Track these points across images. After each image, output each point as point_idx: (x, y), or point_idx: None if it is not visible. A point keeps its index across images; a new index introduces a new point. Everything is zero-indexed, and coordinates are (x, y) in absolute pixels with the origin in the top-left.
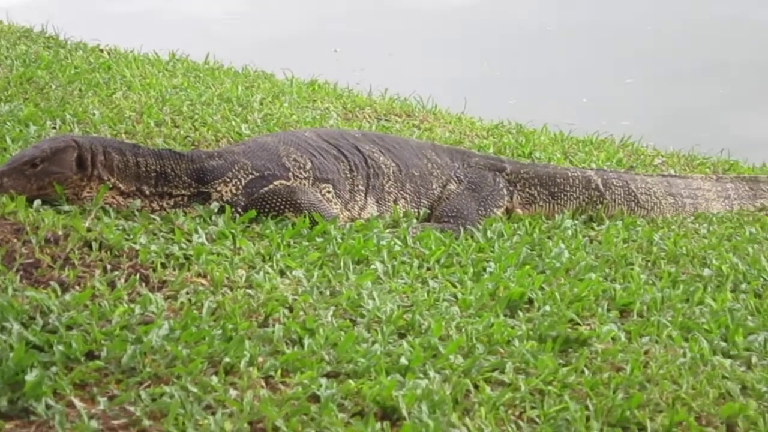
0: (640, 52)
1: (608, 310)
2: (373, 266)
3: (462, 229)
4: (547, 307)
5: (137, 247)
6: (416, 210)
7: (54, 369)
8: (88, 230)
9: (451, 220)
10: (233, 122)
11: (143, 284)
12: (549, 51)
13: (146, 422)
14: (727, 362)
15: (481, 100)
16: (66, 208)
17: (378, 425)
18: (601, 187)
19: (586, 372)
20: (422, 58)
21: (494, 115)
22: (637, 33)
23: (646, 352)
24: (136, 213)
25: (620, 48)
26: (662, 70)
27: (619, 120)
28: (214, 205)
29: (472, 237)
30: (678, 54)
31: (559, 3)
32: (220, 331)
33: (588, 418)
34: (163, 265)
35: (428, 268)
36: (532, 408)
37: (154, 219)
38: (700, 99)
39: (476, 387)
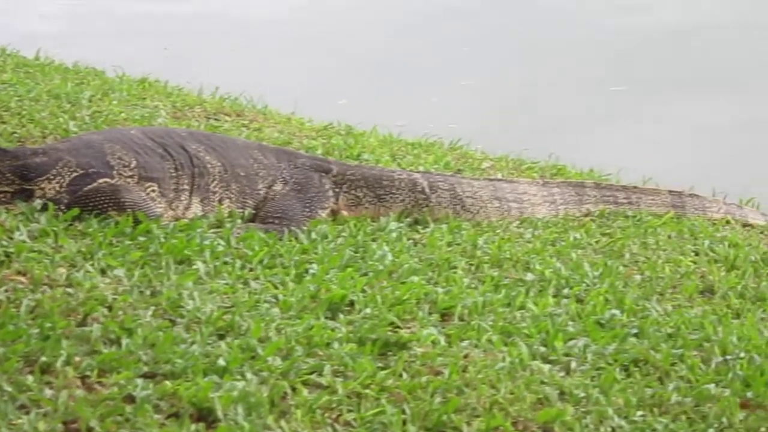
0: (477, 53)
1: (429, 314)
2: (195, 266)
3: (286, 230)
4: (368, 310)
5: None
6: (241, 210)
7: None
8: None
9: (276, 221)
10: (61, 119)
11: None
12: (382, 51)
13: None
14: (546, 367)
15: (313, 100)
16: None
17: (193, 427)
18: (427, 189)
19: (405, 375)
20: (257, 58)
21: (326, 116)
22: (476, 32)
23: (465, 356)
24: None
25: (457, 48)
26: (497, 73)
27: (448, 123)
28: (37, 203)
29: (296, 238)
30: (515, 57)
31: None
32: (37, 330)
33: (405, 422)
34: None
35: (251, 269)
36: (349, 411)
37: None
38: (532, 103)
39: (294, 389)
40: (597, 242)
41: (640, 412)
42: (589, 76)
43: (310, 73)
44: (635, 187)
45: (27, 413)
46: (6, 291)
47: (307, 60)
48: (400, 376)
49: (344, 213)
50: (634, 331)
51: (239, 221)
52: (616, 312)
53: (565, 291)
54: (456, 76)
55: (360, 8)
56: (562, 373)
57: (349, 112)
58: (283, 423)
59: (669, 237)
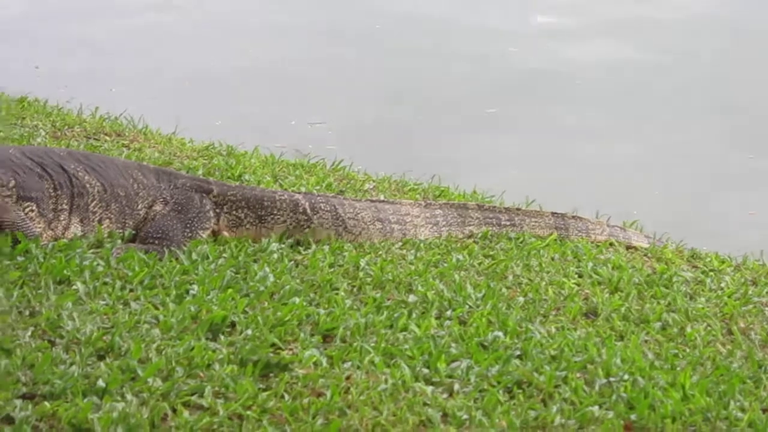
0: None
1: (311, 335)
2: (74, 287)
3: (167, 251)
4: (249, 331)
5: None
6: (121, 230)
7: None
8: None
9: (156, 242)
10: None
11: None
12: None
13: None
14: (429, 389)
15: (191, 121)
16: None
17: None
18: (308, 210)
19: (287, 397)
20: (134, 77)
21: (200, 135)
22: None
23: (347, 378)
24: None
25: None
26: (366, 98)
27: (327, 143)
28: None
29: (176, 259)
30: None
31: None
32: None
33: None
34: None
35: (131, 290)
36: None
37: None
38: (407, 122)
39: (174, 411)
40: (480, 264)
41: None
42: (463, 95)
43: (184, 94)
44: (518, 209)
45: None
46: None
47: (176, 81)
48: (282, 397)
49: (225, 234)
50: (518, 353)
51: (119, 241)
52: (499, 334)
53: (448, 313)
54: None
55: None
56: (445, 395)
57: (225, 133)
58: None
59: (552, 259)
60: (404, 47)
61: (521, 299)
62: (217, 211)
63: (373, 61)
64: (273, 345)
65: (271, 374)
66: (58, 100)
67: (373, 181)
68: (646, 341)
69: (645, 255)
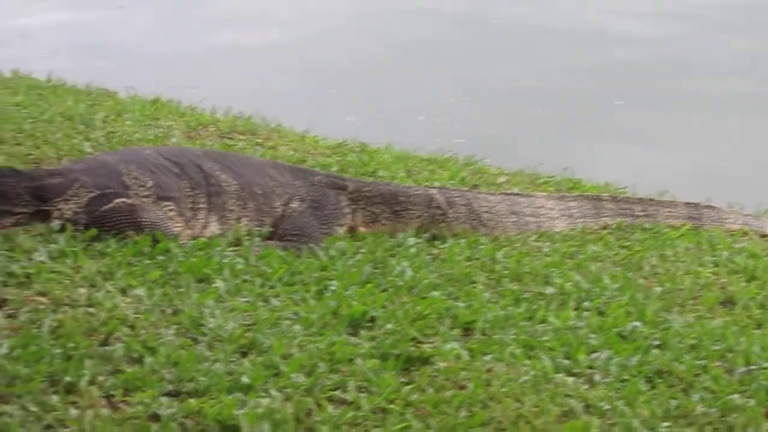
0: (469, 70)
1: (451, 328)
2: (215, 284)
3: (304, 248)
4: (390, 325)
5: None
6: (259, 228)
7: None
8: None
9: (294, 239)
10: (75, 140)
11: None
12: (383, 70)
13: None
14: (570, 380)
15: (321, 118)
16: None
17: None
18: (443, 205)
19: (429, 390)
20: (267, 77)
21: (334, 132)
22: (463, 51)
23: (488, 370)
24: None
25: (451, 67)
26: (492, 90)
27: (453, 138)
28: (56, 224)
29: (314, 255)
30: (505, 74)
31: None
32: (60, 350)
33: None
34: (3, 284)
35: (270, 287)
36: (375, 426)
37: None
38: (531, 118)
39: (318, 405)
40: (616, 255)
41: (665, 424)
42: (587, 88)
43: (317, 93)
44: (651, 200)
45: None
46: (27, 312)
47: (310, 81)
48: (425, 390)
49: (361, 229)
50: (657, 342)
51: (257, 239)
52: (638, 324)
53: (586, 304)
54: (449, 91)
55: (351, 29)
56: (586, 386)
57: (357, 130)
58: None
59: (687, 249)
60: (529, 39)
61: (658, 289)
62: (353, 207)
63: (496, 54)
64: (413, 339)
65: (413, 368)
66: (191, 100)
67: (506, 174)
68: None
69: None
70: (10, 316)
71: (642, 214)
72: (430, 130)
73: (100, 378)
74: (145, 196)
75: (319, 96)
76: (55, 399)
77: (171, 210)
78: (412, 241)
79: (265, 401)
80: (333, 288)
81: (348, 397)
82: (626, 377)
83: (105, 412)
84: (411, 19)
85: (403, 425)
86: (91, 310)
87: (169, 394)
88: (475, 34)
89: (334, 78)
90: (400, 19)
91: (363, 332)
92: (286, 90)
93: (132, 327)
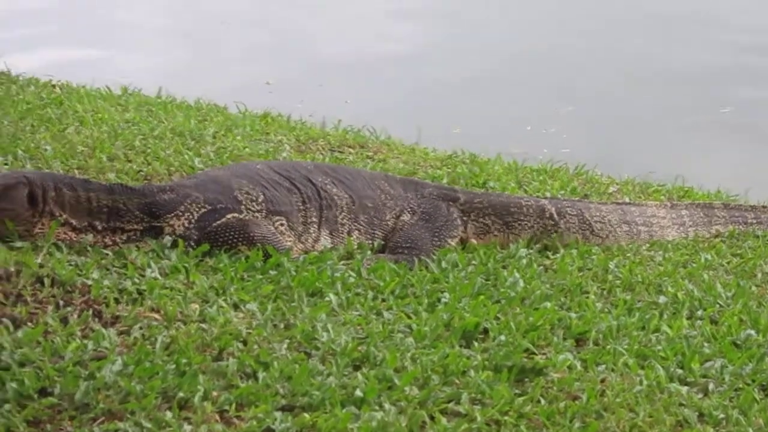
0: (574, 80)
1: (564, 339)
2: (327, 298)
3: (416, 260)
4: (503, 337)
5: (90, 282)
6: (370, 241)
7: (7, 406)
8: (40, 266)
9: (406, 251)
10: (186, 156)
11: (96, 320)
12: (489, 81)
13: None
14: (684, 389)
15: (428, 130)
16: (18, 244)
17: None
18: (555, 215)
19: (543, 401)
20: (377, 90)
21: (440, 144)
22: (566, 62)
23: (602, 381)
24: (89, 248)
25: (554, 76)
26: (597, 99)
27: (560, 148)
28: (167, 239)
29: (426, 268)
30: (612, 84)
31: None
32: (173, 366)
33: None
34: (116, 300)
35: (383, 300)
36: None
37: (107, 254)
38: (640, 127)
39: (432, 418)
40: (728, 263)
41: None
42: (687, 98)
43: (424, 105)
44: (764, 207)
45: None
46: (140, 328)
47: (417, 93)
48: (538, 402)
49: (473, 241)
50: None
51: (369, 252)
52: (752, 332)
53: (699, 312)
54: (552, 102)
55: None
56: (700, 395)
57: (463, 141)
58: None
59: None
60: (635, 46)
61: None
62: (465, 218)
63: (601, 62)
64: (526, 350)
65: (526, 379)
66: (300, 114)
67: (617, 183)
68: None
69: None
70: (123, 332)
71: (754, 221)
72: (537, 140)
73: (214, 393)
74: (257, 211)
75: (425, 108)
76: (168, 415)
77: (282, 224)
78: (523, 252)
79: (378, 415)
80: (445, 300)
81: (461, 409)
82: (740, 386)
83: (219, 427)
84: (519, 28)
85: None
86: (203, 325)
87: (282, 409)
88: (579, 41)
89: (440, 90)
90: (509, 29)
91: (476, 344)
92: (395, 103)
93: (245, 342)
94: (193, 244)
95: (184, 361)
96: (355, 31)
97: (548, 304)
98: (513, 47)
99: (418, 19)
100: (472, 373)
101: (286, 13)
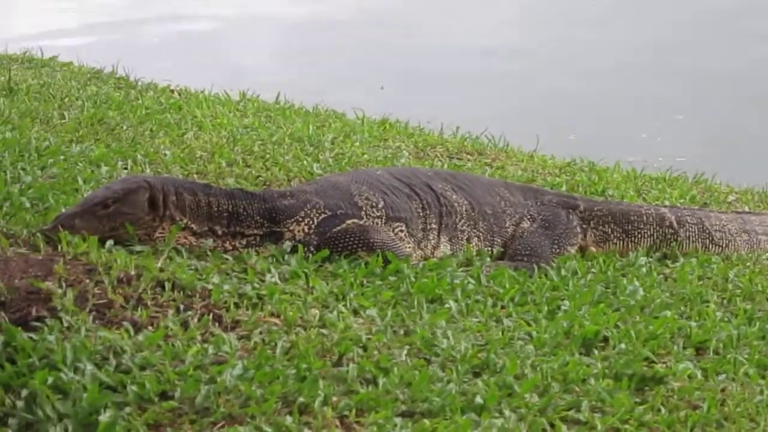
0: (686, 89)
1: (684, 348)
2: (446, 305)
3: (536, 267)
4: (623, 345)
5: (210, 287)
6: (489, 248)
7: (127, 409)
8: (161, 270)
9: (525, 258)
10: (305, 161)
11: (216, 324)
12: (600, 88)
13: None
14: None
15: (544, 136)
16: (138, 248)
17: None
18: (675, 224)
19: (663, 410)
20: (493, 98)
21: (555, 151)
22: (676, 72)
23: (722, 390)
24: (209, 253)
25: (666, 85)
26: (709, 107)
27: (675, 156)
28: (287, 245)
29: (546, 275)
30: (722, 91)
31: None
32: (293, 371)
33: None
34: (236, 305)
35: (502, 307)
36: None
37: (227, 259)
38: (761, 136)
39: (552, 426)
40: None
41: None
42: None
43: (539, 113)
44: None
45: None
46: (261, 333)
47: (533, 101)
48: (658, 410)
49: (592, 249)
50: None
51: (488, 259)
52: None
53: None
54: (665, 109)
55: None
56: None
57: (578, 148)
58: None
59: None
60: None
61: None
62: (584, 226)
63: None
64: (646, 358)
65: (646, 387)
66: (419, 120)
67: (736, 192)
68: None
69: None
70: (243, 337)
71: None
72: (652, 148)
73: (334, 398)
74: (377, 217)
75: (541, 116)
76: (288, 420)
77: (402, 231)
78: (643, 260)
79: (498, 422)
80: (565, 308)
81: (582, 417)
82: None
83: None
84: (633, 34)
85: None
86: (323, 330)
87: (402, 415)
88: (693, 46)
89: (556, 98)
90: (623, 31)
91: (596, 352)
92: (511, 111)
93: (365, 348)
94: (312, 249)
95: (305, 366)
96: (470, 38)
97: (668, 313)
98: (625, 55)
99: (532, 26)
100: (592, 381)
101: (405, 18)
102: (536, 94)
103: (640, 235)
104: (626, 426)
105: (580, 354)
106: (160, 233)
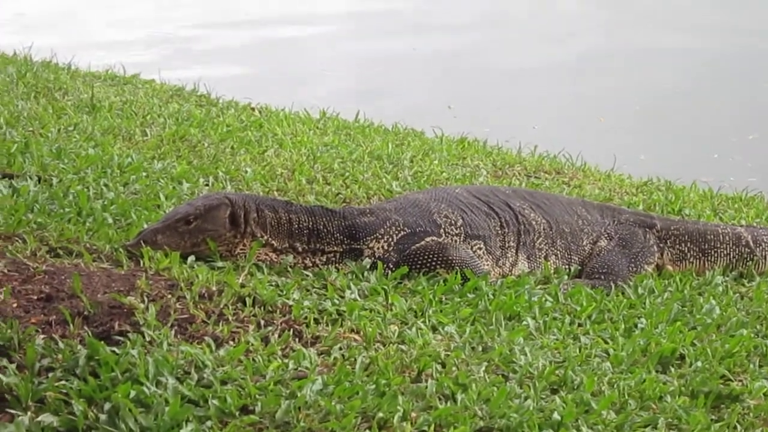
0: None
1: (760, 366)
2: (524, 322)
3: (613, 286)
4: (699, 363)
5: (290, 302)
6: (567, 266)
7: (209, 423)
8: (242, 286)
9: (602, 277)
10: (384, 179)
11: (296, 340)
12: (671, 109)
13: None
14: None
15: (616, 155)
16: (219, 264)
17: None
18: (751, 243)
19: (738, 428)
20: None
21: (627, 169)
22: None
23: None
24: (289, 269)
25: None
26: None
27: (746, 176)
28: (366, 262)
29: (623, 293)
30: None
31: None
32: (373, 386)
33: None
34: (316, 321)
35: (579, 324)
36: None
37: (307, 275)
38: None
39: None
40: None
41: None
42: None
43: (609, 133)
44: None
45: None
46: (340, 349)
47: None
48: (734, 428)
49: (669, 268)
50: None
51: (565, 277)
52: None
53: None
54: (737, 129)
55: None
56: None
57: (650, 168)
58: None
59: None
60: None
61: None
62: (661, 245)
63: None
64: (723, 376)
65: (722, 405)
66: (497, 139)
67: None
68: None
69: None
70: (323, 353)
71: None
72: (724, 168)
73: (413, 414)
74: (455, 235)
75: (611, 135)
76: None
77: (480, 248)
78: (719, 279)
79: None
80: (642, 326)
81: None
82: None
83: None
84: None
85: None
86: (402, 347)
87: (480, 431)
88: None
89: (626, 116)
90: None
91: (672, 370)
92: (583, 131)
93: (443, 364)
94: (392, 266)
95: (384, 381)
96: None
97: (744, 332)
98: (695, 72)
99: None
100: (668, 398)
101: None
102: (606, 113)
103: (716, 255)
104: None
105: (657, 372)
106: (241, 249)
